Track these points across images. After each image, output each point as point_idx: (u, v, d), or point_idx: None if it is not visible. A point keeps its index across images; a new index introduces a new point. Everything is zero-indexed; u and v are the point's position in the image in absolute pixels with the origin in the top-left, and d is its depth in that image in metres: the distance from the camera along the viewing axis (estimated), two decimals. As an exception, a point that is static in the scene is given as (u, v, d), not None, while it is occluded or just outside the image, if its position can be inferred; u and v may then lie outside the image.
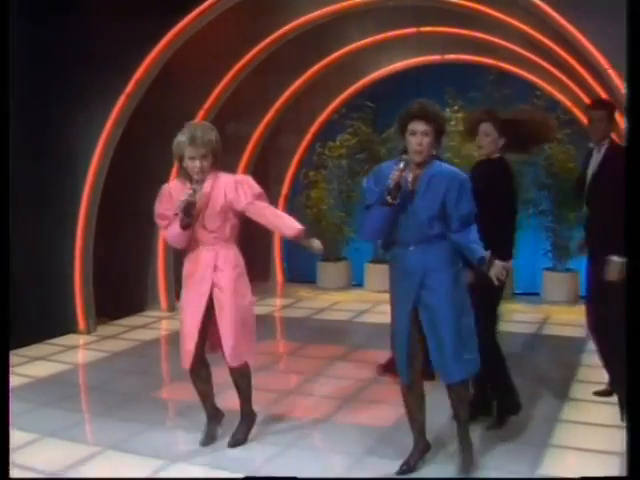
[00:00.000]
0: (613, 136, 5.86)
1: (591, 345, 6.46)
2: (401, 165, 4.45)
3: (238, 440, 5.35)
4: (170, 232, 5.06)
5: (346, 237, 12.12)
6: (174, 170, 9.88)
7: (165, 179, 9.91)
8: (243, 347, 5.17)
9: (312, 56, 11.39)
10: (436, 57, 11.48)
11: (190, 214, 4.85)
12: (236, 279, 5.13)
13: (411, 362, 4.70)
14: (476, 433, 5.00)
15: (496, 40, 10.12)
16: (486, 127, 5.44)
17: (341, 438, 5.58)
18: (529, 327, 9.03)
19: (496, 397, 5.60)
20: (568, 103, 10.70)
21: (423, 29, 10.59)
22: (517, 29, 9.01)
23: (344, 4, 9.68)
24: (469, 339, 4.67)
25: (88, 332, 9.08)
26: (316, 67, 11.57)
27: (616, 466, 4.96)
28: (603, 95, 8.20)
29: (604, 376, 6.10)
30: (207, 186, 4.98)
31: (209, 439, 5.42)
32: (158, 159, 9.98)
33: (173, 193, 5.03)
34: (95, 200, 9.02)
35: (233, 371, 5.25)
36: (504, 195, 5.41)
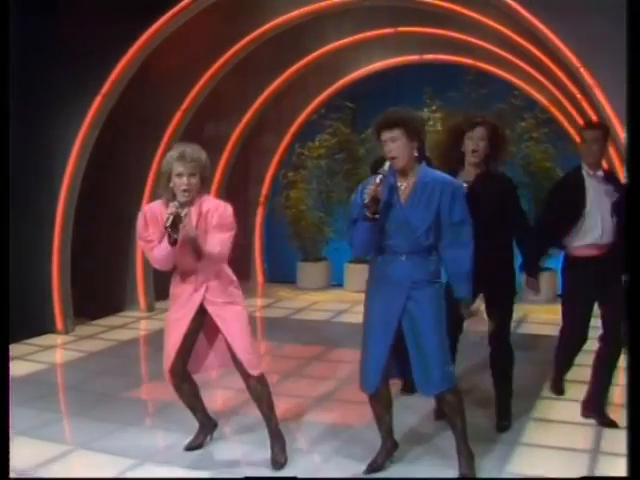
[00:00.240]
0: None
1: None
2: (377, 179, 4.40)
3: (281, 463, 5.05)
4: (157, 253, 4.87)
5: (326, 237, 12.16)
6: (151, 175, 10.07)
7: (143, 180, 10.06)
8: (257, 354, 5.15)
9: (291, 56, 11.39)
10: (415, 57, 11.52)
11: (177, 228, 4.68)
12: (231, 293, 5.07)
13: (382, 373, 4.66)
14: (447, 433, 4.99)
15: (473, 40, 10.15)
16: (481, 131, 5.38)
17: (311, 438, 5.61)
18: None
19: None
20: (545, 102, 10.76)
21: (401, 29, 10.60)
22: (493, 29, 9.03)
23: (321, 4, 9.68)
24: (448, 350, 4.66)
25: (66, 332, 9.08)
26: (295, 67, 11.58)
27: (584, 463, 5.01)
28: (576, 94, 8.28)
29: (579, 374, 6.12)
30: (194, 207, 4.86)
31: (195, 446, 5.39)
32: (136, 160, 10.06)
33: (159, 217, 4.86)
34: (72, 200, 9.02)
35: (254, 381, 5.04)
36: (519, 211, 5.61)
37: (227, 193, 11.08)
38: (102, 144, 9.14)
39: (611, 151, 7.57)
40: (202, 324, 5.07)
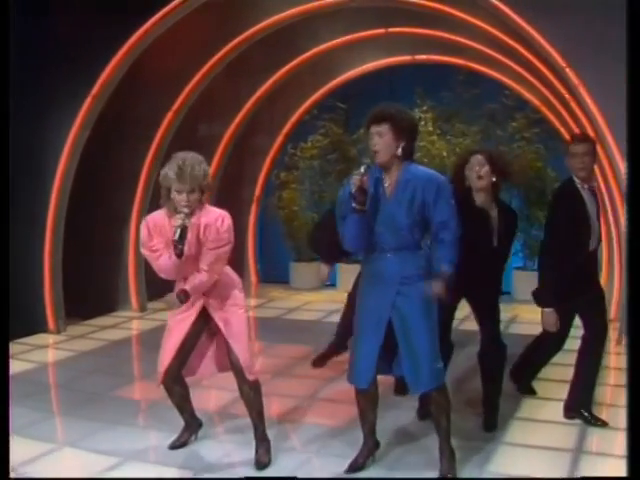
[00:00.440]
0: None
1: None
2: (362, 169, 4.40)
3: (265, 464, 5.05)
4: (162, 263, 4.86)
5: (318, 237, 12.11)
6: (144, 175, 10.10)
7: (135, 180, 10.08)
8: (254, 359, 5.18)
9: (283, 56, 11.41)
10: (407, 57, 11.54)
11: (184, 240, 4.72)
12: (234, 296, 5.08)
13: (373, 369, 4.66)
14: (431, 432, 5.01)
15: (463, 40, 10.16)
16: (480, 158, 5.48)
17: (295, 437, 5.64)
18: (496, 326, 9.06)
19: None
20: (537, 102, 10.77)
21: (391, 30, 10.62)
22: (482, 29, 9.05)
23: (312, 5, 9.68)
24: (437, 348, 4.64)
25: (58, 332, 9.10)
26: (287, 67, 11.59)
27: (566, 463, 5.03)
28: (565, 93, 8.30)
29: (565, 373, 6.12)
30: (196, 218, 4.84)
31: (179, 444, 5.40)
32: (129, 160, 10.08)
33: (162, 227, 4.88)
34: (63, 201, 9.04)
35: (248, 387, 5.05)
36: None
37: (219, 194, 11.09)
38: (95, 144, 9.16)
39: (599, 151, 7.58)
40: (203, 328, 5.09)
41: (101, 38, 8.66)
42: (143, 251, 5.00)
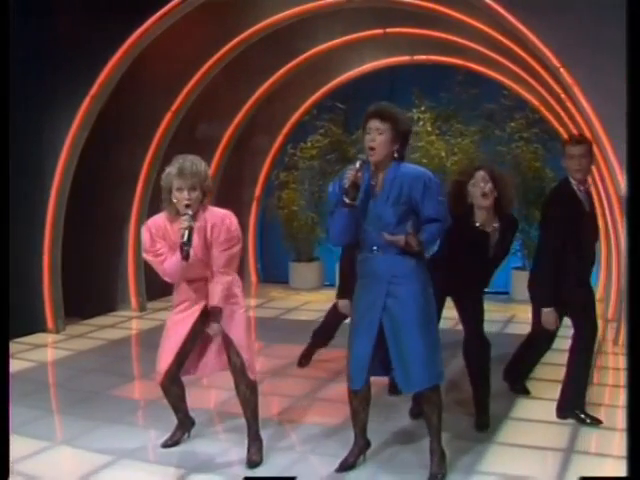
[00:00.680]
0: None
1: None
2: (357, 165, 4.41)
3: (256, 462, 5.07)
4: (168, 266, 4.87)
5: (318, 237, 12.20)
6: (143, 175, 10.12)
7: (134, 180, 10.11)
8: (254, 358, 5.19)
9: (282, 57, 11.43)
10: (406, 58, 11.57)
11: (191, 242, 4.70)
12: (234, 294, 5.05)
13: (366, 370, 4.66)
14: (422, 432, 5.02)
15: (462, 41, 10.18)
16: (484, 174, 5.47)
17: (288, 435, 5.66)
18: (494, 326, 8.95)
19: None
20: (535, 102, 10.79)
21: (390, 30, 10.64)
22: (479, 30, 9.07)
23: (311, 5, 9.70)
24: (435, 350, 4.62)
25: (57, 331, 9.13)
26: (286, 68, 11.62)
27: (557, 462, 5.03)
28: (561, 93, 8.31)
29: (558, 373, 6.13)
30: (200, 219, 4.85)
31: (171, 443, 5.43)
32: (128, 160, 10.10)
33: (164, 230, 4.89)
34: (62, 200, 9.07)
35: (245, 386, 5.07)
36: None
37: (219, 194, 11.11)
38: (94, 144, 9.19)
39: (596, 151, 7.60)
40: (202, 329, 5.06)
41: (100, 38, 8.69)
42: (146, 256, 4.99)
